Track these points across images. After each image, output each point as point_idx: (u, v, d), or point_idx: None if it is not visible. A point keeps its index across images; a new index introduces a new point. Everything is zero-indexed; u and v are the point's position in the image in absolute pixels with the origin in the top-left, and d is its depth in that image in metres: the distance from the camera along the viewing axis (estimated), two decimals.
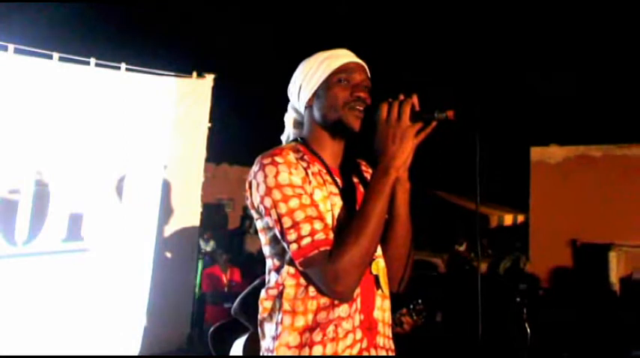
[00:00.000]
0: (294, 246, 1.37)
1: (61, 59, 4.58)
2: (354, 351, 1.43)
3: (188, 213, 5.53)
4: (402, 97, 1.44)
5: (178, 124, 5.43)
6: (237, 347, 2.57)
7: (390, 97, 1.45)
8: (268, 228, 1.47)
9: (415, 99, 1.44)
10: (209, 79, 5.63)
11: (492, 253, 11.83)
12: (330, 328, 1.40)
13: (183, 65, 5.71)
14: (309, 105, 1.58)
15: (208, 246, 10.95)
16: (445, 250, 11.97)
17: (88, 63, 4.77)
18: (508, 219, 17.11)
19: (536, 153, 10.56)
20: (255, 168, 1.45)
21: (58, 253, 4.56)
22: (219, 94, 5.72)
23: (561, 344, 5.97)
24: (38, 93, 4.46)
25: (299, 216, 1.38)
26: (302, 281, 1.43)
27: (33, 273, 4.39)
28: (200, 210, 5.64)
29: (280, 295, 1.44)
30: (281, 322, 1.42)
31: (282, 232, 1.40)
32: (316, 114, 1.56)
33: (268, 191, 1.40)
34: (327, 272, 1.35)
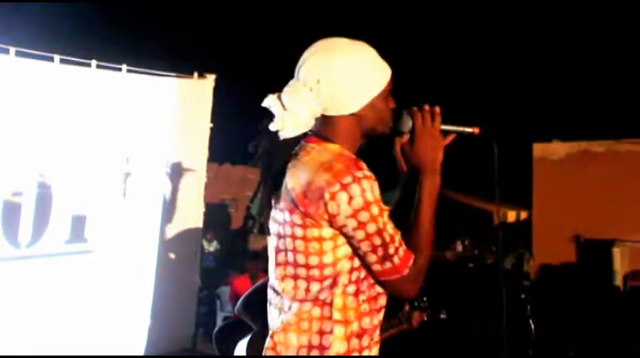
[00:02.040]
0: (396, 259, 1.41)
1: (62, 61, 4.58)
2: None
3: (191, 214, 5.53)
4: (427, 107, 1.54)
5: (180, 125, 5.43)
6: (242, 346, 2.57)
7: (414, 106, 1.55)
8: (330, 238, 1.41)
9: (439, 110, 1.54)
10: (210, 79, 5.63)
11: (496, 250, 11.82)
12: (377, 332, 1.48)
13: (184, 66, 5.71)
14: (357, 114, 1.49)
15: (211, 246, 10.97)
16: (447, 247, 11.96)
17: (89, 65, 4.77)
18: (511, 216, 17.10)
19: (539, 149, 10.55)
20: (344, 179, 1.36)
21: (61, 255, 4.57)
22: (220, 94, 5.72)
23: (565, 340, 5.97)
24: (40, 96, 4.47)
25: (391, 229, 1.41)
26: (349, 290, 1.43)
27: (37, 275, 4.40)
28: (203, 210, 5.64)
29: (329, 304, 1.42)
30: (331, 331, 1.41)
31: (379, 245, 1.40)
32: (363, 124, 1.51)
33: (367, 205, 1.37)
34: (412, 277, 1.44)
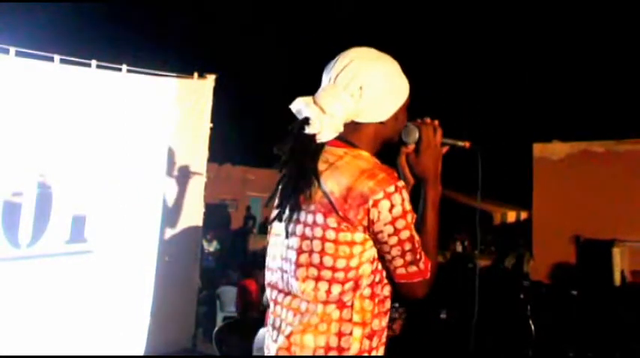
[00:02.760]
0: (421, 264, 1.50)
1: (62, 61, 4.58)
2: None
3: (191, 214, 5.53)
4: (428, 121, 1.65)
5: (180, 125, 5.43)
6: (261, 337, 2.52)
7: (418, 118, 1.65)
8: (360, 243, 1.46)
9: (438, 123, 1.66)
10: (210, 79, 5.63)
11: (496, 250, 11.83)
12: (384, 334, 1.53)
13: (184, 66, 5.71)
14: (384, 122, 1.57)
15: (212, 246, 10.99)
16: (446, 247, 11.96)
17: (89, 65, 4.77)
18: (511, 216, 17.12)
19: (539, 149, 10.54)
20: (387, 188, 1.43)
21: (61, 255, 4.56)
22: (220, 94, 5.72)
23: (565, 340, 5.96)
24: (40, 96, 4.47)
25: (417, 236, 1.50)
26: (365, 293, 1.48)
27: (36, 275, 4.40)
28: (203, 210, 5.64)
29: (350, 307, 1.47)
30: (351, 333, 1.46)
31: (408, 250, 1.48)
32: (385, 133, 1.59)
33: (404, 214, 1.46)
34: (430, 280, 1.53)
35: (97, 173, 4.78)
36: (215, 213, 11.68)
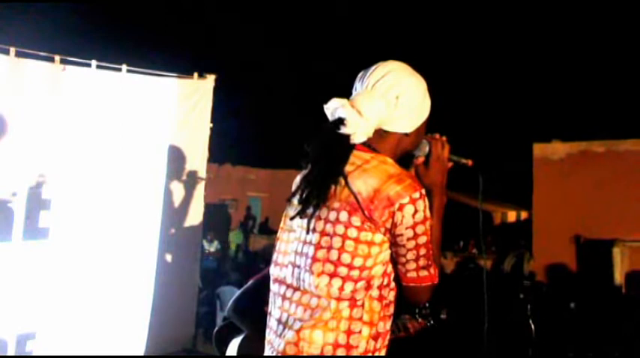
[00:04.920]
0: (432, 269, 1.56)
1: (62, 61, 4.59)
2: None
3: (191, 214, 5.53)
4: (438, 136, 1.73)
5: (180, 125, 5.43)
6: (233, 346, 2.57)
7: (429, 134, 1.74)
8: (379, 244, 1.52)
9: (445, 139, 1.74)
10: (210, 79, 5.63)
11: (496, 250, 11.83)
12: (387, 337, 1.58)
13: (184, 66, 5.72)
14: (409, 134, 1.65)
15: (212, 247, 10.98)
16: (449, 248, 11.96)
17: (89, 65, 4.77)
18: (511, 216, 17.12)
19: (539, 149, 10.55)
20: (413, 194, 1.51)
21: (62, 254, 4.56)
22: (220, 95, 5.72)
23: (565, 340, 5.97)
24: (40, 96, 4.47)
25: (430, 244, 1.56)
26: (374, 294, 1.53)
27: (37, 275, 4.40)
28: (203, 210, 5.64)
29: (361, 306, 1.52)
30: (360, 332, 1.51)
31: (422, 255, 1.54)
32: (406, 144, 1.67)
33: (425, 220, 1.52)
34: (433, 287, 1.58)
35: (97, 173, 4.78)
36: (215, 213, 11.69)
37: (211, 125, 5.64)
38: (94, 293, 4.70)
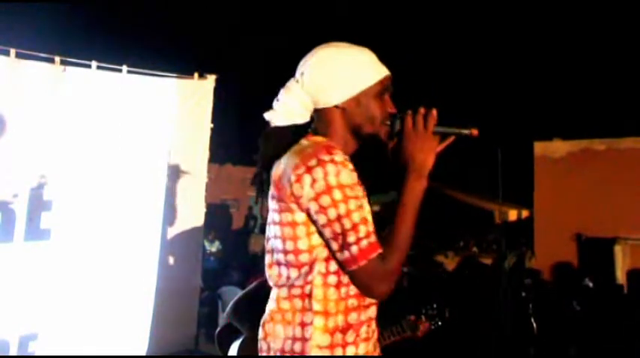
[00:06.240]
0: (354, 249, 1.37)
1: (62, 62, 4.58)
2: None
3: (192, 214, 5.53)
4: (422, 110, 1.50)
5: (181, 125, 5.43)
6: (234, 349, 2.57)
7: (409, 109, 1.53)
8: (303, 224, 1.42)
9: (435, 112, 1.50)
10: (211, 79, 5.63)
11: (497, 249, 11.82)
12: (363, 329, 1.47)
13: (184, 66, 5.71)
14: (341, 107, 1.53)
15: (213, 247, 10.98)
16: (450, 247, 11.95)
17: (89, 66, 4.77)
18: (512, 215, 17.09)
19: (540, 147, 10.54)
20: (309, 162, 1.39)
21: (63, 255, 4.57)
22: (220, 95, 5.71)
23: (567, 338, 5.96)
24: (40, 97, 4.46)
25: (356, 218, 1.38)
26: (330, 280, 1.43)
27: (39, 276, 4.40)
28: (204, 210, 5.64)
29: (309, 295, 1.43)
30: (311, 323, 1.42)
31: (339, 233, 1.38)
32: (350, 119, 1.54)
33: (328, 189, 1.37)
34: (378, 273, 1.38)
35: (98, 174, 4.78)
36: (216, 213, 11.69)
37: (212, 125, 5.65)
38: (95, 294, 4.70)
